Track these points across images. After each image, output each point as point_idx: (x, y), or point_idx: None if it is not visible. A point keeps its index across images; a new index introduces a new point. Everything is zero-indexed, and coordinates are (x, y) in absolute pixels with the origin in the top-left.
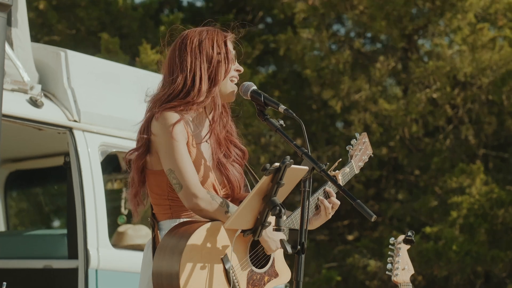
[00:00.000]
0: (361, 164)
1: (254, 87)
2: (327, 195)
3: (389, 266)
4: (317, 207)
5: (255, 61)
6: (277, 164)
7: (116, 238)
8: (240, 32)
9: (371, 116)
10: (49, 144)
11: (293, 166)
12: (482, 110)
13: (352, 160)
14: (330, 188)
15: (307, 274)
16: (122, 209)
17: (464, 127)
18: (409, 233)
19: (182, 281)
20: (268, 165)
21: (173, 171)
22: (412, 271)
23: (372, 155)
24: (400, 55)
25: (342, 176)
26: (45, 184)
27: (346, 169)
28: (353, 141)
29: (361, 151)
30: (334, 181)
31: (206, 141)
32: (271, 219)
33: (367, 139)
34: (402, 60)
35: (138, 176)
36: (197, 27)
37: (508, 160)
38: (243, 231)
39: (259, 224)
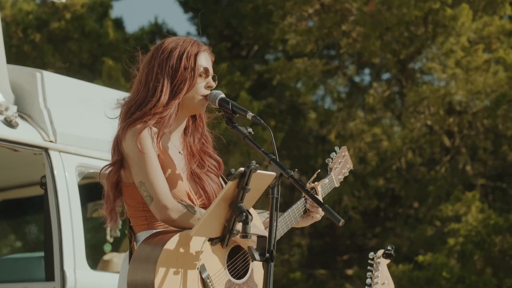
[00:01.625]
0: (341, 177)
1: (222, 95)
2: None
3: (368, 281)
4: (305, 211)
5: (250, 91)
6: (242, 169)
7: (102, 266)
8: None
9: (366, 146)
10: (32, 172)
11: (259, 171)
12: (478, 136)
13: (331, 173)
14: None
15: None
16: (108, 237)
17: (461, 157)
18: (389, 247)
19: None
20: (233, 170)
21: (143, 184)
22: (392, 286)
23: (352, 169)
24: (394, 82)
25: (322, 187)
26: (33, 213)
27: (326, 180)
28: (332, 154)
29: (340, 164)
30: (302, 186)
31: (179, 152)
32: (239, 226)
33: (347, 153)
34: (396, 86)
35: (112, 191)
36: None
37: (506, 190)
38: (211, 240)
39: (227, 232)
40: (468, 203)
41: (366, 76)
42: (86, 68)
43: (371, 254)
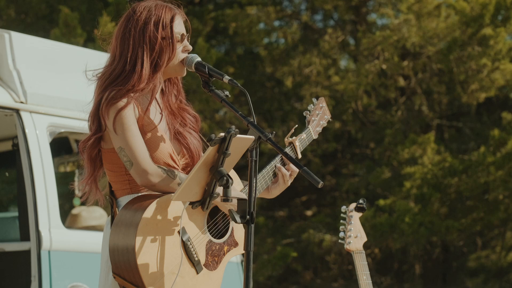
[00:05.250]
0: (319, 129)
1: (198, 59)
2: (284, 163)
3: (341, 234)
4: (275, 175)
5: (207, 39)
6: (222, 134)
7: (70, 221)
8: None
9: (323, 90)
10: (3, 131)
11: (238, 135)
12: (432, 80)
13: (309, 126)
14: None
15: (264, 251)
16: (76, 191)
17: (416, 98)
18: (361, 201)
19: (138, 255)
20: (213, 135)
21: (123, 149)
22: (365, 239)
23: (330, 119)
24: (348, 27)
25: (300, 142)
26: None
27: (303, 135)
28: (310, 107)
29: (318, 116)
30: (280, 149)
31: (160, 113)
32: (219, 190)
33: (324, 104)
34: (350, 32)
35: (92, 164)
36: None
37: (462, 129)
38: (192, 203)
39: (207, 195)
40: (424, 145)
41: (320, 22)
42: (44, 19)
43: (343, 208)
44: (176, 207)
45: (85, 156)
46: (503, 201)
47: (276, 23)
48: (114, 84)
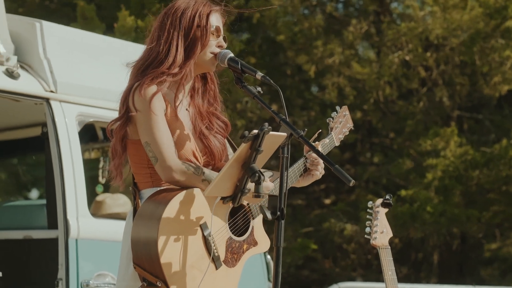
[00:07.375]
0: (341, 136)
1: (231, 55)
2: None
3: (367, 229)
4: (305, 170)
5: (229, 28)
6: (255, 131)
7: (94, 207)
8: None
9: (345, 80)
10: (27, 114)
11: (271, 132)
12: (454, 71)
13: (332, 133)
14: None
15: (284, 239)
16: (100, 178)
17: (438, 89)
18: (387, 197)
19: (160, 248)
20: (246, 132)
21: (149, 144)
22: (391, 234)
23: (352, 128)
24: (372, 18)
25: (322, 147)
26: (23, 154)
27: (326, 140)
28: (333, 114)
29: (341, 123)
30: (312, 146)
31: (186, 109)
32: (251, 185)
33: (347, 112)
34: (374, 23)
35: (120, 145)
36: None
37: (482, 121)
38: (223, 198)
39: (239, 191)
40: (447, 138)
41: (344, 12)
42: (68, 6)
43: (370, 203)
44: (199, 202)
45: (114, 136)
46: None
47: (301, 12)
48: (151, 68)
